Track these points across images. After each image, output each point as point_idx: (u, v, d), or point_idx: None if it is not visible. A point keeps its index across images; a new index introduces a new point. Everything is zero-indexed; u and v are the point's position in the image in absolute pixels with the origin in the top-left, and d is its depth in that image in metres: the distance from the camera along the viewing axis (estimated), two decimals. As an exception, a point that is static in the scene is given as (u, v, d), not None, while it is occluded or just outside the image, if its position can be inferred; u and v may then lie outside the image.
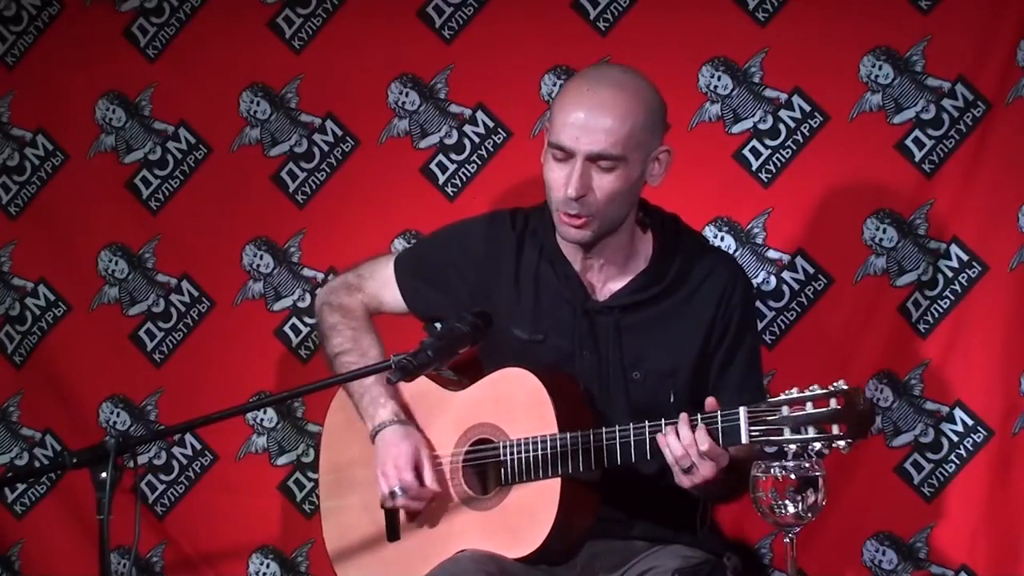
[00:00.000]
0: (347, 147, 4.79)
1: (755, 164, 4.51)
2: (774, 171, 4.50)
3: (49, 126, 4.97)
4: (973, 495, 4.36)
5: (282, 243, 4.82)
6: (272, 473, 4.81)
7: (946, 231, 4.39)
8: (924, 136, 4.41)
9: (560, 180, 3.81)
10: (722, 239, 4.49)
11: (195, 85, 4.87)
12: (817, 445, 3.55)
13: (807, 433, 3.56)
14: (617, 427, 3.74)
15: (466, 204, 4.63)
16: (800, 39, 4.47)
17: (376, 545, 4.02)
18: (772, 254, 4.50)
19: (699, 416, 3.66)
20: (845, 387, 3.55)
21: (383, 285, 4.12)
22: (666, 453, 3.67)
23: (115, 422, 4.90)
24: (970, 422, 4.38)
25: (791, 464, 3.52)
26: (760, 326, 4.43)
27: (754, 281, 4.44)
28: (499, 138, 4.69)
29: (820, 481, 3.51)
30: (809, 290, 4.48)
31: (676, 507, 3.93)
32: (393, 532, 4.00)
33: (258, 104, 4.83)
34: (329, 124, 4.79)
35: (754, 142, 4.51)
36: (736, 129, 4.53)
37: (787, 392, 3.59)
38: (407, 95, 4.73)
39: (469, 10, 4.70)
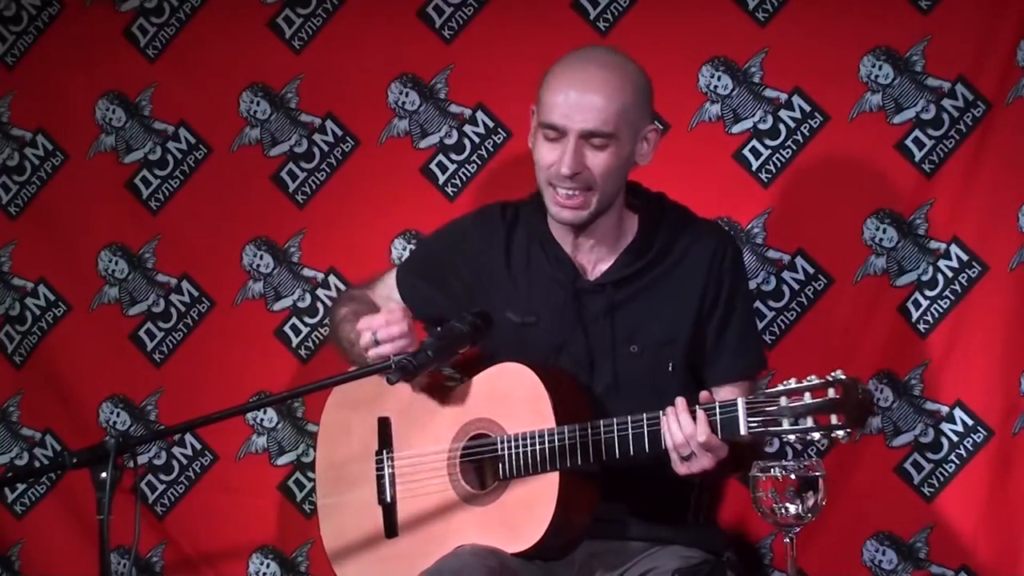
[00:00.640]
0: (347, 147, 4.79)
1: (755, 164, 4.51)
2: (774, 171, 4.50)
3: (49, 126, 4.97)
4: (973, 495, 4.36)
5: (282, 243, 4.82)
6: (272, 473, 4.81)
7: (946, 231, 4.39)
8: (924, 136, 4.41)
9: (553, 158, 3.85)
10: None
11: (195, 85, 4.87)
12: (816, 435, 3.56)
13: (805, 423, 3.56)
14: (615, 420, 3.75)
15: (466, 204, 4.63)
16: (800, 39, 4.47)
17: (374, 542, 4.02)
18: (772, 254, 4.50)
19: (698, 407, 3.66)
20: (843, 377, 3.56)
21: (388, 292, 4.18)
22: (666, 440, 3.68)
23: (115, 422, 4.90)
24: (970, 422, 4.38)
25: (791, 464, 3.52)
26: (760, 326, 4.43)
27: (754, 281, 4.44)
28: (499, 138, 4.69)
29: (820, 481, 3.51)
30: (809, 290, 4.48)
31: (675, 507, 3.94)
32: (391, 529, 4.00)
33: (258, 104, 4.83)
34: (329, 124, 4.79)
35: (754, 142, 4.52)
36: (736, 129, 4.53)
37: (785, 382, 3.59)
38: (407, 95, 4.73)
39: (469, 10, 4.70)
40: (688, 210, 4.07)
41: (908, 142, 4.42)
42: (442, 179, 4.72)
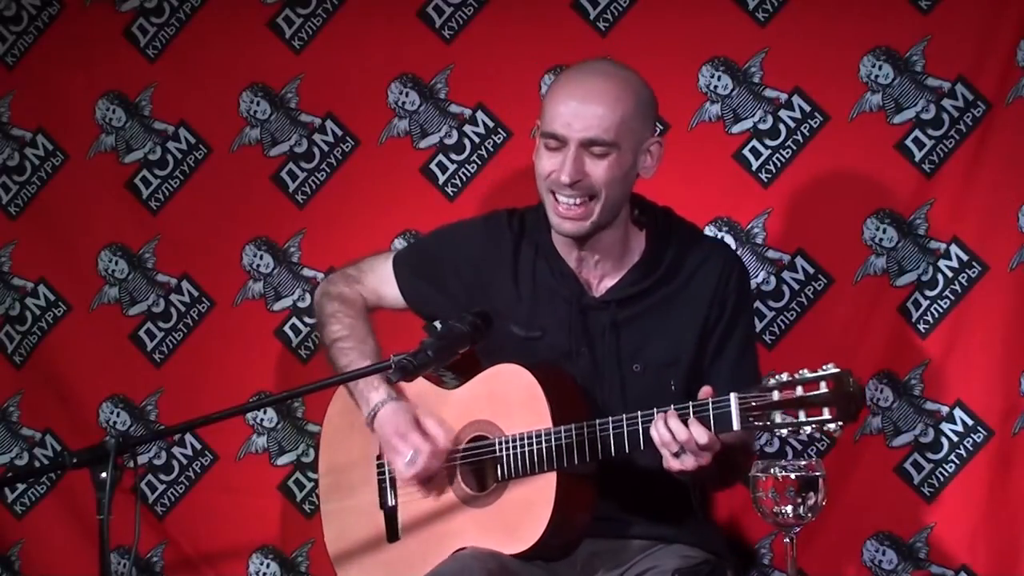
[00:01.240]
0: (347, 147, 4.79)
1: (755, 164, 4.51)
2: (774, 171, 4.50)
3: (49, 126, 4.97)
4: (973, 495, 4.36)
5: (282, 243, 4.82)
6: (272, 473, 4.81)
7: (946, 231, 4.39)
8: (924, 136, 4.41)
9: (553, 166, 3.84)
10: (722, 239, 4.49)
11: (195, 85, 4.87)
12: (808, 429, 3.55)
13: (798, 417, 3.56)
14: (611, 419, 3.75)
15: (466, 204, 4.63)
16: (800, 39, 4.47)
17: (376, 546, 4.02)
18: (772, 254, 4.50)
19: (690, 405, 3.66)
20: (835, 370, 3.55)
21: (382, 281, 4.15)
22: (654, 438, 3.67)
23: (115, 422, 4.90)
24: (970, 422, 4.38)
25: (791, 464, 3.52)
26: (760, 326, 4.43)
27: (754, 281, 4.44)
28: (499, 138, 4.69)
29: (820, 481, 3.51)
30: (809, 290, 4.48)
31: (675, 506, 3.93)
32: (393, 533, 4.00)
33: (258, 104, 4.83)
34: (329, 124, 4.79)
35: (754, 142, 4.52)
36: (736, 129, 4.53)
37: (777, 376, 3.58)
38: (407, 95, 4.73)
39: (469, 10, 4.70)
40: (696, 227, 4.07)
41: (908, 142, 4.42)
42: (442, 179, 4.72)
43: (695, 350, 3.91)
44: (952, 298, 4.39)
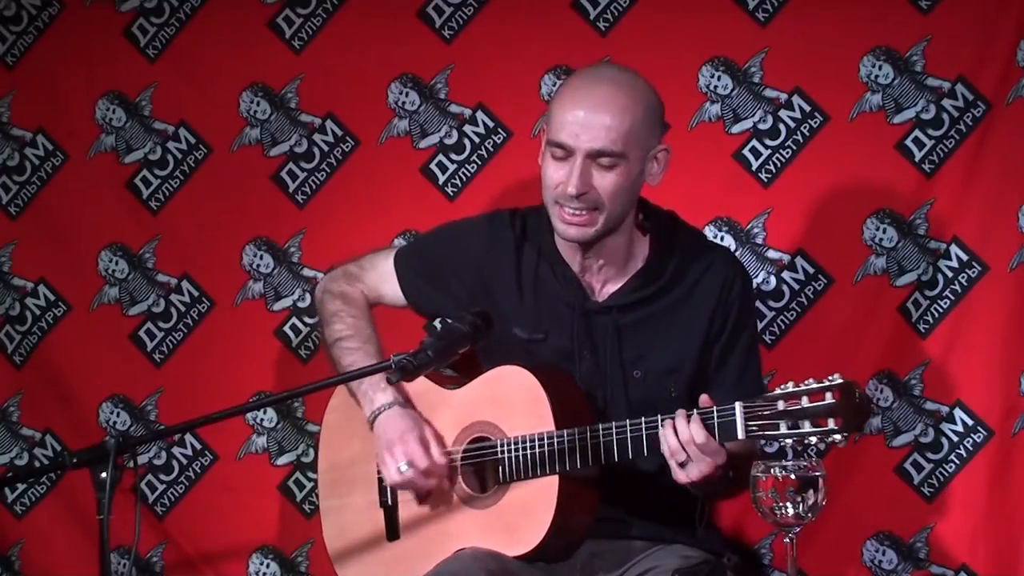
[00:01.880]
0: (347, 147, 4.79)
1: (755, 164, 4.51)
2: (774, 171, 4.50)
3: (49, 126, 4.97)
4: (973, 495, 4.36)
5: (282, 243, 4.82)
6: (272, 473, 4.81)
7: (946, 231, 4.39)
8: (924, 136, 4.41)
9: (560, 178, 3.82)
10: (722, 239, 4.49)
11: (195, 85, 4.87)
12: (813, 439, 3.55)
13: (803, 427, 3.56)
14: (614, 424, 3.75)
15: (466, 204, 4.63)
16: (800, 39, 4.47)
17: (376, 544, 4.02)
18: (772, 254, 4.50)
19: (695, 411, 3.66)
20: (840, 381, 3.55)
21: (383, 278, 4.14)
22: (663, 447, 3.67)
23: (115, 422, 4.90)
24: (970, 422, 4.38)
25: (791, 464, 3.52)
26: (760, 326, 4.43)
27: (754, 281, 4.44)
28: (499, 138, 4.69)
29: (820, 481, 3.51)
30: (809, 290, 4.48)
31: (675, 506, 3.93)
32: (392, 531, 4.00)
33: (258, 104, 4.83)
34: (329, 124, 4.79)
35: (754, 142, 4.52)
36: (736, 129, 4.53)
37: (783, 386, 3.59)
38: (407, 95, 4.73)
39: (469, 10, 4.70)
40: (700, 233, 4.06)
41: (908, 142, 4.42)
42: (442, 179, 4.72)
43: (697, 359, 3.91)
44: (952, 298, 4.39)
